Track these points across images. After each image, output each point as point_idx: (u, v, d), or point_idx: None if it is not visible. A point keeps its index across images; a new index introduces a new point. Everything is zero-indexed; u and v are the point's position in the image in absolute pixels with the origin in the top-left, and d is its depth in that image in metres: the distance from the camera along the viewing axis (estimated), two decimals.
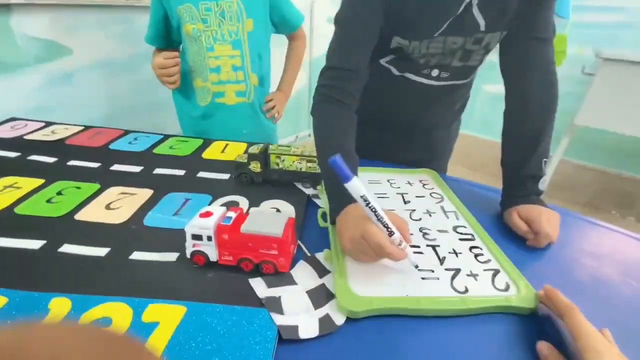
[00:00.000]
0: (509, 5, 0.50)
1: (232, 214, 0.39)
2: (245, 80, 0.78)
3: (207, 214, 0.38)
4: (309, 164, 0.55)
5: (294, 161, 0.55)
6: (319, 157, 0.49)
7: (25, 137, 0.68)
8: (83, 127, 0.73)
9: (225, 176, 0.59)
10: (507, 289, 0.38)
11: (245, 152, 0.59)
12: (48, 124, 0.74)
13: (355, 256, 0.38)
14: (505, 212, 0.51)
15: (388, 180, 0.60)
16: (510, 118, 0.55)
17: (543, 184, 0.52)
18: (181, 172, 0.59)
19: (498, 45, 0.55)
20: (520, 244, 0.47)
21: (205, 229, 0.37)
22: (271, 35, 0.81)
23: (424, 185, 0.60)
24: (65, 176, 0.55)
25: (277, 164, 0.55)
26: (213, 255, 0.38)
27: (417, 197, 0.56)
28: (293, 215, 0.49)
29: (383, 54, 0.60)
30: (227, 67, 0.75)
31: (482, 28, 0.52)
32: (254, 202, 0.52)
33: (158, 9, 0.73)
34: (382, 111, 0.66)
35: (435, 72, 0.59)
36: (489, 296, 0.36)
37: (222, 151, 0.68)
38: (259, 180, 0.56)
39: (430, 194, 0.57)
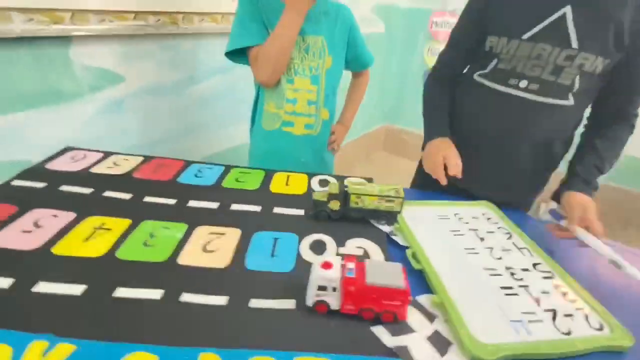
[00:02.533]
0: (605, 31, 0.54)
1: (352, 265, 0.41)
2: (316, 114, 0.81)
3: (328, 265, 0.41)
4: (387, 204, 0.57)
5: (373, 201, 0.57)
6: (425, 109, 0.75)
7: (91, 170, 0.68)
8: (143, 158, 0.74)
9: (299, 212, 0.61)
10: (601, 328, 0.42)
11: (315, 187, 0.61)
12: (107, 154, 0.74)
13: (431, 167, 0.63)
14: (568, 194, 0.58)
15: (455, 215, 0.63)
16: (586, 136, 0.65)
17: (600, 180, 0.60)
18: (257, 208, 0.61)
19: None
20: (581, 276, 0.50)
21: (331, 281, 0.39)
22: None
23: (488, 219, 0.63)
24: (149, 215, 0.56)
25: (357, 203, 0.58)
26: (335, 305, 0.40)
27: (488, 232, 0.59)
28: (382, 257, 0.51)
29: (477, 66, 0.66)
30: (303, 100, 0.78)
31: (575, 45, 0.56)
32: (340, 242, 0.54)
33: (255, 10, 0.72)
34: (480, 128, 0.69)
35: (523, 83, 0.61)
36: (592, 336, 0.40)
37: (286, 184, 0.70)
38: (337, 217, 0.58)
39: (498, 229, 0.60)
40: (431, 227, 0.59)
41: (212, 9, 0.96)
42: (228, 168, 0.74)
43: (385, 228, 0.58)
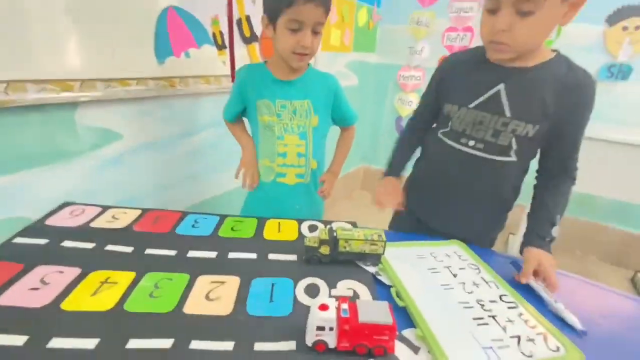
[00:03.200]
0: (532, 103, 0.67)
1: (345, 306, 0.47)
2: (306, 165, 0.91)
3: (325, 307, 0.46)
4: (372, 247, 0.65)
5: (359, 245, 0.64)
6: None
7: (91, 224, 0.71)
8: (141, 211, 0.78)
9: (292, 257, 0.67)
10: (558, 349, 0.49)
11: (305, 232, 0.67)
12: (105, 208, 0.78)
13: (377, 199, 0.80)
14: (528, 250, 0.69)
15: (431, 254, 0.71)
16: (537, 193, 0.76)
17: (556, 232, 0.70)
18: (253, 256, 0.66)
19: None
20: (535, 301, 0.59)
21: (329, 321, 0.45)
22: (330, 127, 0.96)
23: (459, 256, 0.72)
24: (152, 267, 0.60)
25: (345, 247, 0.64)
26: (332, 343, 0.45)
27: (460, 269, 0.67)
28: (370, 297, 0.57)
29: (441, 125, 0.80)
30: (293, 153, 0.88)
31: (508, 114, 0.68)
32: (331, 284, 0.60)
33: (238, 97, 0.88)
34: (441, 176, 0.81)
35: (471, 142, 0.74)
36: (551, 357, 0.47)
37: (279, 231, 0.76)
38: (327, 261, 0.65)
39: (468, 265, 0.69)
40: (411, 266, 0.66)
41: (206, 72, 1.07)
42: (223, 218, 0.79)
43: (371, 269, 0.65)
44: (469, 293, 0.60)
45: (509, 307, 0.57)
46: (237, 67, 1.09)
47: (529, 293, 0.62)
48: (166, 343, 0.45)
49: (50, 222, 0.71)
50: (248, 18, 1.16)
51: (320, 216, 1.01)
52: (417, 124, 0.91)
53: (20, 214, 0.73)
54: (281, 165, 0.89)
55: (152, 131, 0.97)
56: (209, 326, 0.49)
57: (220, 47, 1.10)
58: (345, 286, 0.60)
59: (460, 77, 0.75)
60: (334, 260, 0.65)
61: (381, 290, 0.59)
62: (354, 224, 0.81)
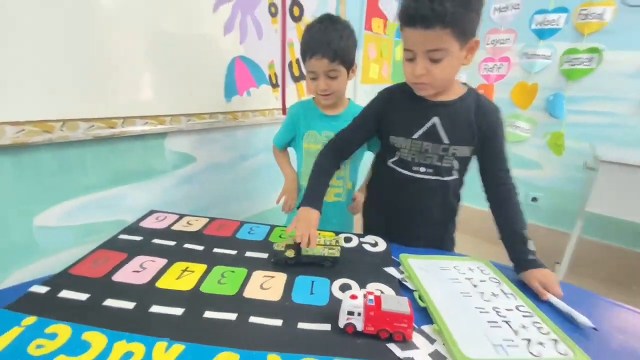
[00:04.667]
0: (464, 129, 0.81)
1: (372, 297, 0.58)
2: (343, 186, 1.05)
3: (354, 297, 0.57)
4: (329, 251, 0.75)
5: (319, 249, 0.75)
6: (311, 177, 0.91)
7: (172, 228, 0.90)
8: (208, 219, 0.96)
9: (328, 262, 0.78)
10: (566, 353, 0.54)
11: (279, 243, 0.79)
12: (181, 216, 0.97)
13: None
14: (522, 274, 0.75)
15: (455, 267, 0.79)
16: (495, 214, 0.85)
17: (532, 245, 0.77)
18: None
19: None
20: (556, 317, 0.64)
21: (357, 307, 0.55)
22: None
23: (482, 271, 0.78)
24: (219, 262, 0.75)
25: (307, 251, 0.75)
26: (360, 326, 0.56)
27: (481, 281, 0.73)
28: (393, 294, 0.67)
29: (388, 155, 0.90)
30: (334, 177, 1.00)
31: (446, 141, 0.81)
32: (362, 284, 0.70)
33: (290, 127, 1.03)
34: (398, 201, 0.92)
35: (422, 169, 0.86)
36: (557, 358, 0.53)
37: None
38: (292, 263, 0.75)
39: (490, 279, 0.75)
40: (434, 275, 0.74)
41: (262, 106, 1.28)
42: (272, 227, 0.94)
43: (397, 274, 0.74)
44: (486, 301, 0.67)
45: (524, 316, 0.63)
46: (287, 102, 1.29)
47: (548, 309, 0.67)
48: (232, 316, 0.59)
49: (143, 224, 0.91)
50: (298, 61, 1.37)
51: (352, 229, 1.12)
52: (339, 147, 0.92)
53: (121, 217, 0.95)
54: None
55: (218, 155, 1.18)
56: (263, 307, 0.61)
57: (275, 86, 1.31)
58: (374, 287, 0.70)
59: (400, 111, 0.86)
60: (299, 263, 0.75)
61: (406, 293, 0.69)
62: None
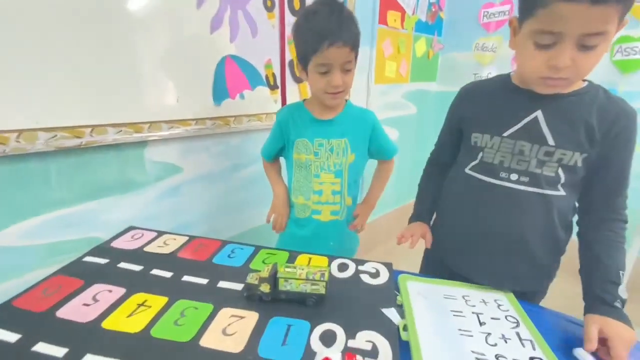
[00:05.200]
0: (577, 130, 0.60)
1: None
2: (341, 202, 0.91)
3: None
4: (313, 287, 0.60)
5: (299, 284, 0.60)
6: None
7: (144, 249, 0.80)
8: (188, 238, 0.85)
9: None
10: None
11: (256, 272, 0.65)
12: (160, 233, 0.87)
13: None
14: (586, 316, 0.57)
15: (463, 297, 0.63)
16: (583, 234, 0.66)
17: (624, 293, 0.58)
18: None
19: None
20: None
21: None
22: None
23: (499, 306, 0.61)
24: (184, 294, 0.64)
25: (285, 286, 0.61)
26: None
27: (492, 318, 0.57)
28: (390, 354, 0.51)
29: (466, 160, 0.72)
30: (328, 191, 0.89)
31: (551, 142, 0.62)
32: (350, 333, 0.56)
33: (278, 136, 0.91)
34: (477, 222, 0.71)
35: (514, 176, 0.65)
36: None
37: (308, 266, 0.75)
38: (268, 299, 0.61)
39: (506, 317, 0.58)
40: (433, 304, 0.60)
41: (259, 111, 1.17)
42: (258, 249, 0.81)
43: (397, 319, 0.59)
44: (491, 345, 0.51)
45: None
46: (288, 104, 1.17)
47: None
48: None
49: (114, 244, 0.82)
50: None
51: (354, 253, 0.98)
52: (440, 158, 0.85)
53: (95, 234, 0.87)
54: (316, 203, 0.89)
55: (208, 165, 1.08)
56: None
57: (273, 87, 1.19)
58: (365, 338, 0.55)
59: (486, 104, 0.69)
60: (276, 299, 0.61)
61: (404, 345, 0.53)
62: (389, 265, 0.76)
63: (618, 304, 0.56)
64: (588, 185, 0.65)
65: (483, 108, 0.70)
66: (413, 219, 0.86)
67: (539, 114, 0.62)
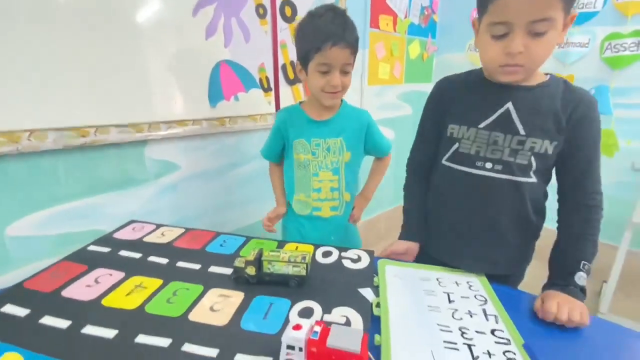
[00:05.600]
0: (545, 119, 0.65)
1: (318, 328, 0.48)
2: (340, 198, 0.95)
3: (298, 327, 0.48)
4: (294, 269, 0.65)
5: (282, 266, 0.65)
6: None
7: (144, 239, 0.86)
8: (184, 230, 0.91)
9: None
10: None
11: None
12: (158, 226, 0.93)
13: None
14: (546, 293, 0.62)
15: (437, 279, 0.67)
16: (560, 221, 0.69)
17: (581, 280, 0.62)
18: None
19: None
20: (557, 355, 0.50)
21: (298, 341, 0.46)
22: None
23: (470, 286, 0.65)
24: (178, 277, 0.69)
25: (269, 269, 0.66)
26: None
27: (462, 297, 0.61)
28: (362, 326, 0.56)
29: (443, 151, 0.76)
30: (327, 188, 0.93)
31: (522, 132, 0.66)
32: (327, 309, 0.60)
33: (278, 137, 0.95)
34: (454, 209, 0.76)
35: (489, 165, 0.69)
36: None
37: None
38: (254, 281, 0.66)
39: (475, 296, 0.62)
40: (408, 285, 0.65)
41: (253, 112, 1.23)
42: (248, 239, 0.87)
43: (373, 297, 0.63)
44: (456, 319, 0.55)
45: (497, 342, 0.50)
46: (282, 106, 1.23)
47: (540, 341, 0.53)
48: (165, 342, 0.52)
49: (116, 235, 0.88)
50: (292, 63, 1.31)
51: (358, 244, 1.02)
52: (418, 161, 0.85)
53: (99, 227, 0.93)
54: (316, 200, 0.94)
55: (205, 163, 1.14)
56: (204, 333, 0.54)
57: (266, 90, 1.26)
58: (340, 313, 0.60)
59: (462, 96, 0.73)
60: (261, 281, 0.66)
61: (376, 320, 0.58)
62: (371, 252, 0.80)
63: (575, 287, 0.61)
64: (561, 171, 0.69)
65: (459, 100, 0.74)
66: (403, 235, 0.85)
67: (509, 105, 0.66)
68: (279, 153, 0.98)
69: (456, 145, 0.73)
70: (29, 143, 0.78)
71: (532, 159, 0.67)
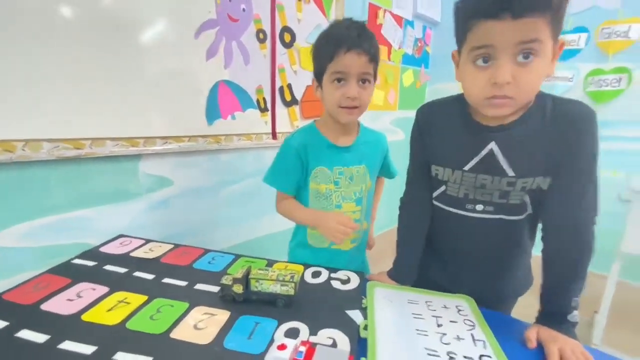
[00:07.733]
0: (534, 156, 0.59)
1: (303, 349, 0.47)
2: (360, 229, 0.87)
3: (282, 347, 0.47)
4: (282, 287, 0.64)
5: (270, 284, 0.64)
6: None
7: (130, 254, 0.85)
8: (173, 245, 0.90)
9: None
10: None
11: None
12: (147, 241, 0.92)
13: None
14: (541, 329, 0.59)
15: (426, 302, 0.66)
16: (546, 255, 0.63)
17: (574, 318, 0.60)
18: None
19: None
20: None
21: None
22: None
23: (459, 311, 0.65)
24: (163, 294, 0.68)
25: (256, 287, 0.65)
26: None
27: (450, 321, 0.61)
28: (348, 348, 0.55)
29: (433, 189, 0.73)
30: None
31: (511, 173, 0.60)
32: (314, 330, 0.59)
33: (298, 165, 0.81)
34: (450, 245, 0.75)
35: (479, 207, 0.66)
36: None
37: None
38: (240, 299, 0.65)
39: (464, 321, 0.61)
40: (396, 307, 0.64)
41: (249, 131, 1.25)
42: (238, 257, 0.86)
43: (361, 319, 0.62)
44: (444, 344, 0.54)
45: None
46: (277, 126, 1.26)
47: None
48: None
49: (103, 249, 0.86)
50: (289, 86, 1.35)
51: (367, 270, 0.99)
52: (409, 199, 0.79)
53: (87, 240, 0.92)
54: None
55: (198, 179, 1.14)
56: (185, 352, 0.53)
57: (263, 110, 1.29)
58: (327, 335, 0.58)
59: (444, 133, 0.68)
60: (248, 299, 0.65)
61: (363, 343, 0.57)
62: (360, 274, 0.79)
63: (566, 326, 0.59)
64: (550, 206, 0.61)
65: (440, 139, 0.68)
66: (393, 274, 0.80)
67: (493, 146, 0.61)
68: (298, 183, 0.83)
69: (443, 188, 0.70)
70: (22, 153, 0.78)
71: (526, 197, 0.63)
